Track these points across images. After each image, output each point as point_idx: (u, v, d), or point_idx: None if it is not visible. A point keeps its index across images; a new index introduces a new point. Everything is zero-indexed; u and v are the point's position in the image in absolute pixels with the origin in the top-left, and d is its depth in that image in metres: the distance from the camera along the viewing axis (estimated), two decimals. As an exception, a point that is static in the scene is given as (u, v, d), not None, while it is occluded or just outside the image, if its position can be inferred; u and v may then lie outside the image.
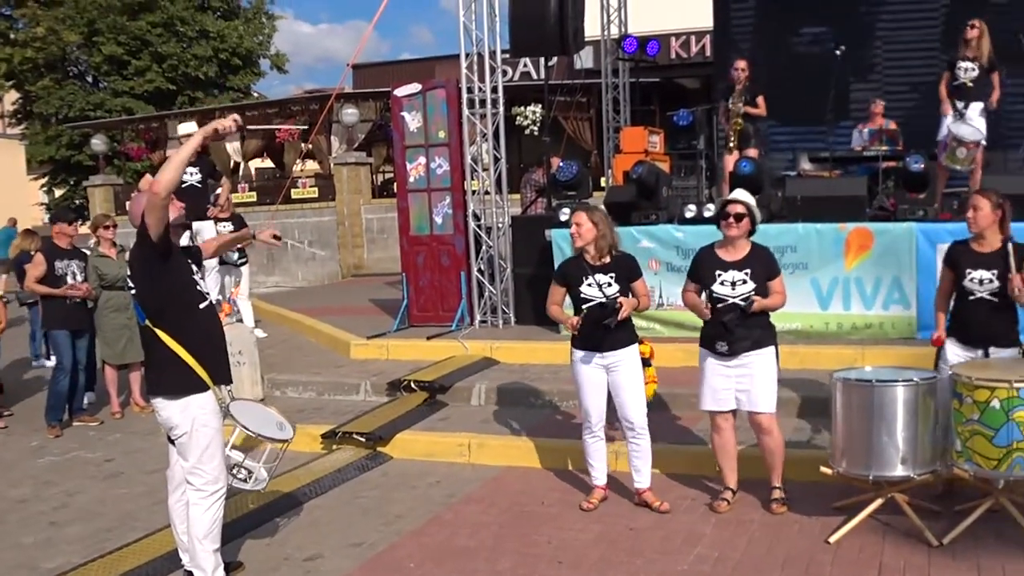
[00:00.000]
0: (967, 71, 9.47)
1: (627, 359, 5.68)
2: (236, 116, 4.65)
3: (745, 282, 5.46)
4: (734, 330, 5.38)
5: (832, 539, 5.07)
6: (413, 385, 8.51)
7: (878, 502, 5.20)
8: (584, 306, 5.65)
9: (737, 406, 5.59)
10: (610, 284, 5.62)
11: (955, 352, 5.48)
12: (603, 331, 5.57)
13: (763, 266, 5.53)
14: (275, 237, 5.25)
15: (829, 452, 5.40)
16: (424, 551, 5.34)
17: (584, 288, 5.66)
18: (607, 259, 5.67)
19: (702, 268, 5.62)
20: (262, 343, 10.37)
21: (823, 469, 5.30)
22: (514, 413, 7.85)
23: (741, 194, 5.61)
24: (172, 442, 4.73)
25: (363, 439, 7.33)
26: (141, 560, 5.27)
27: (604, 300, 5.58)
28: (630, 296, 5.66)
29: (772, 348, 5.55)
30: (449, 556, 5.26)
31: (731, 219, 5.51)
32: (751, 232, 5.61)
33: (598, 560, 5.08)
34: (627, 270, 5.71)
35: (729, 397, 5.57)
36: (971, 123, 9.41)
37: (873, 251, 8.44)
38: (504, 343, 9.58)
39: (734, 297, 5.45)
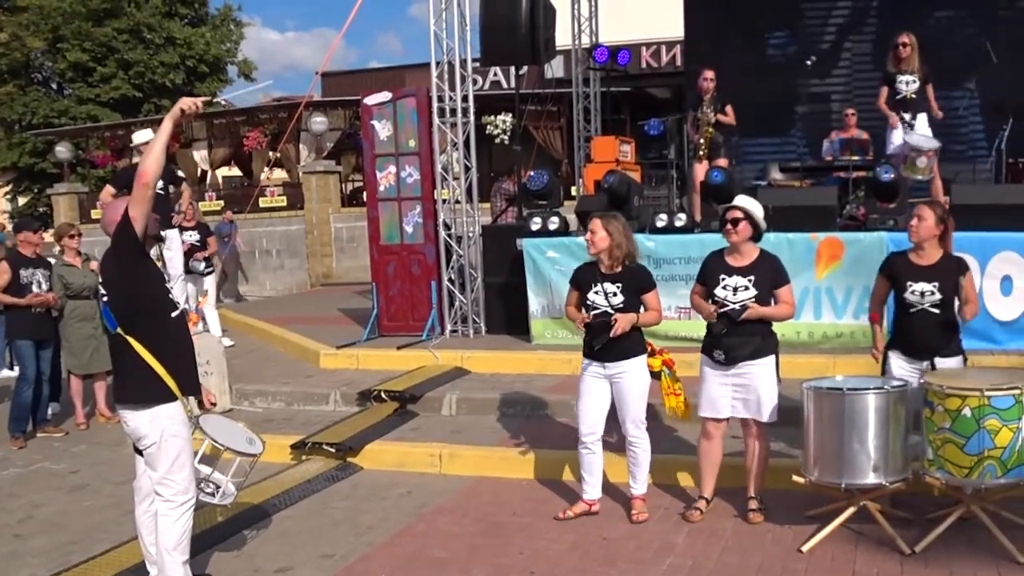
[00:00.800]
0: (908, 84, 9.57)
1: (631, 370, 5.62)
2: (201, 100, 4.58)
3: (747, 288, 5.45)
4: (723, 340, 5.38)
5: (805, 548, 5.07)
6: (383, 395, 8.45)
7: (850, 510, 5.21)
8: (591, 313, 5.62)
9: (733, 414, 5.56)
10: (616, 294, 5.57)
11: (900, 365, 5.49)
12: (606, 341, 5.53)
13: (769, 274, 5.51)
14: (211, 403, 5.21)
15: (801, 461, 5.40)
16: (395, 562, 5.29)
17: (591, 295, 5.63)
18: (619, 269, 5.62)
19: (708, 271, 5.61)
20: (230, 353, 10.26)
21: (795, 478, 5.31)
22: (485, 423, 7.81)
23: (741, 200, 5.58)
24: (139, 452, 4.65)
25: (333, 449, 7.27)
26: (108, 572, 5.19)
27: (609, 309, 5.55)
28: (642, 308, 5.63)
29: (772, 357, 5.51)
30: (421, 567, 5.22)
31: (728, 225, 5.50)
32: (757, 238, 5.58)
33: (572, 570, 5.06)
34: (636, 281, 5.64)
35: (726, 405, 5.55)
36: (921, 132, 9.50)
37: (844, 261, 8.49)
38: (475, 353, 9.54)
39: (733, 302, 5.43)
